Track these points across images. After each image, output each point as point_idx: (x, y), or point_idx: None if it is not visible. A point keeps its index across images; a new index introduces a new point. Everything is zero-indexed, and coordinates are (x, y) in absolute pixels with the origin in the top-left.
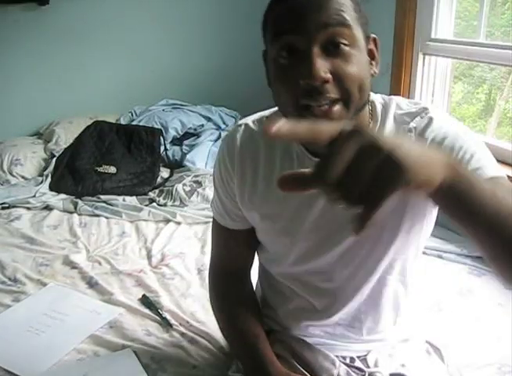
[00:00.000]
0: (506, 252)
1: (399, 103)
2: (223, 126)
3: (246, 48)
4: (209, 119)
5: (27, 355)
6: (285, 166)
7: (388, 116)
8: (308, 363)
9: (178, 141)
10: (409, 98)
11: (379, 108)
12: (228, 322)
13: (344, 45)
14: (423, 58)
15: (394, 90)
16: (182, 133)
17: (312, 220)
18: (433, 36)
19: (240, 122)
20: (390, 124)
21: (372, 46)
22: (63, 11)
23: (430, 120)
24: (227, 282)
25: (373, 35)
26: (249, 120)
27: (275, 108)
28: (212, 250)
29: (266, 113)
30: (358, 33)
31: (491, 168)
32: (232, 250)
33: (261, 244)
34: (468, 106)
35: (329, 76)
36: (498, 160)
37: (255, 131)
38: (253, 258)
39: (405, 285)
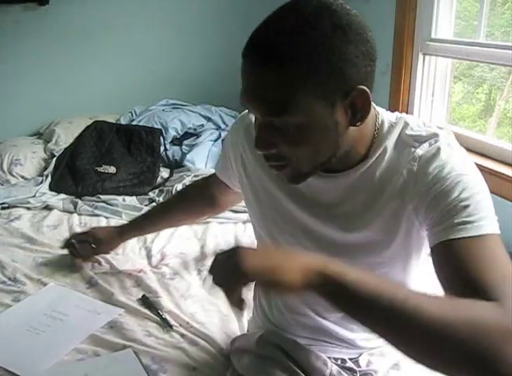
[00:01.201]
0: (408, 343)
1: (409, 123)
2: (223, 126)
3: None
4: (209, 119)
5: (27, 355)
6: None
7: (390, 137)
8: (300, 364)
9: (178, 141)
10: (409, 98)
11: (386, 127)
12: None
13: (285, 125)
14: (423, 58)
15: (394, 90)
16: (182, 133)
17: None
18: (433, 36)
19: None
20: (390, 147)
21: (356, 98)
22: (63, 11)
23: (438, 150)
24: (192, 187)
25: (362, 87)
26: None
27: None
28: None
29: None
30: (305, 103)
31: (477, 226)
32: (213, 185)
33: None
34: (468, 106)
35: (271, 151)
36: (498, 160)
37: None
38: (226, 201)
39: None
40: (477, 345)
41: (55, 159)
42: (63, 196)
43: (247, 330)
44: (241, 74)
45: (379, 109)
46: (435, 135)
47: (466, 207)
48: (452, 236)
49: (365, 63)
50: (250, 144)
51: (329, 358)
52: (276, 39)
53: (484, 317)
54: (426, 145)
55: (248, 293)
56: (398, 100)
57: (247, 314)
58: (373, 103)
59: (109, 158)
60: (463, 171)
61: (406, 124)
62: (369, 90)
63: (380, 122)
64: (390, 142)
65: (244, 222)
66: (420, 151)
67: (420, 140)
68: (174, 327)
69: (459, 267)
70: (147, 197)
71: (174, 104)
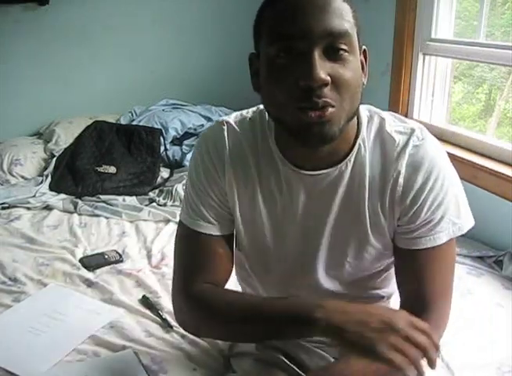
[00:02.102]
0: None
1: (385, 118)
2: None
3: (246, 48)
4: (209, 119)
5: (27, 355)
6: (271, 172)
7: (370, 133)
8: (302, 364)
9: (178, 141)
10: (409, 98)
11: (365, 121)
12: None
13: (344, 50)
14: (423, 58)
15: (394, 90)
16: (182, 133)
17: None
18: (433, 36)
19: (221, 119)
20: (370, 142)
21: (362, 57)
22: (63, 11)
23: (424, 154)
24: (213, 289)
25: (364, 47)
26: (230, 119)
27: (255, 107)
28: (179, 266)
29: (246, 113)
30: (356, 41)
31: (435, 238)
32: (212, 259)
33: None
34: (468, 106)
35: (328, 78)
36: (498, 160)
37: (239, 133)
38: (230, 273)
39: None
40: None
41: (55, 159)
42: (63, 196)
43: None
44: (292, 4)
45: None
46: (413, 130)
47: (434, 222)
48: (414, 247)
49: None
50: (245, 163)
51: (334, 358)
52: None
53: None
54: (410, 146)
55: None
56: (398, 100)
57: None
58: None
59: (109, 158)
60: (446, 176)
61: (383, 119)
62: None
63: (360, 114)
64: (370, 136)
65: None
66: (406, 154)
67: (402, 139)
68: (174, 328)
69: (410, 274)
70: (147, 197)
71: (174, 104)
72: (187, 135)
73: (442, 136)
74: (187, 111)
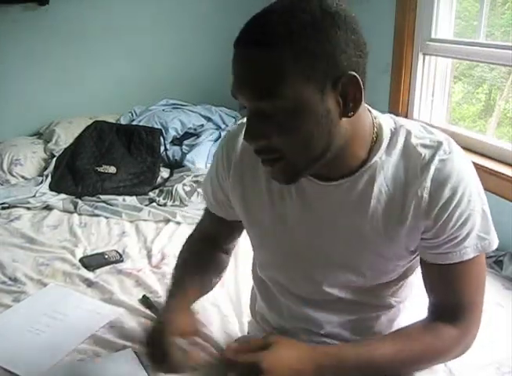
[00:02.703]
0: None
1: (411, 130)
2: (223, 126)
3: None
4: (209, 119)
5: (27, 355)
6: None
7: (396, 146)
8: None
9: (178, 141)
10: (409, 98)
11: (385, 132)
12: (180, 264)
13: (274, 110)
14: (423, 58)
15: (394, 90)
16: (182, 133)
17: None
18: (433, 36)
19: (243, 121)
20: (396, 155)
21: (347, 86)
22: (62, 11)
23: (451, 170)
24: (201, 242)
25: (352, 73)
26: None
27: None
28: (198, 224)
29: None
30: (299, 93)
31: (463, 253)
32: (215, 229)
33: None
34: (468, 106)
35: (261, 144)
36: (498, 160)
37: None
38: (234, 240)
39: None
40: (433, 362)
41: (55, 159)
42: (63, 196)
43: (248, 333)
44: (232, 65)
45: (375, 112)
46: (440, 143)
47: (460, 237)
48: (440, 262)
49: (355, 52)
50: (255, 168)
51: None
52: (266, 22)
53: (435, 345)
54: (436, 160)
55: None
56: (398, 100)
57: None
58: (369, 106)
59: (109, 158)
60: (473, 191)
61: (409, 132)
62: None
63: (377, 125)
64: (396, 150)
65: None
66: (432, 168)
67: (428, 153)
68: None
69: (438, 286)
70: (147, 197)
71: (175, 104)
72: (187, 135)
73: None
74: (187, 111)
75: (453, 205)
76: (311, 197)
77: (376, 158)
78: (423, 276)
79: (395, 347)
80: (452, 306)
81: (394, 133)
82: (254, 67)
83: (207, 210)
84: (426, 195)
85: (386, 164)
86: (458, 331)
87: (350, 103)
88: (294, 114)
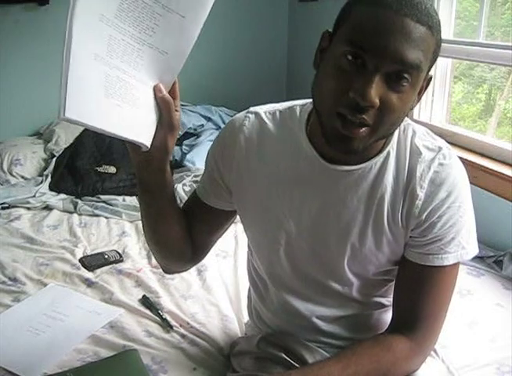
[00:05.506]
0: None
1: (416, 131)
2: (223, 126)
3: (246, 48)
4: (209, 119)
5: (27, 355)
6: (292, 165)
7: (405, 143)
8: (305, 361)
9: (178, 141)
10: None
11: (396, 132)
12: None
13: (406, 82)
14: None
15: None
16: (181, 133)
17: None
18: None
19: (252, 110)
20: (403, 154)
21: (424, 84)
22: (63, 11)
23: (448, 174)
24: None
25: (430, 74)
26: (261, 110)
27: (288, 103)
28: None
29: (279, 106)
30: (423, 75)
31: (444, 258)
32: (199, 222)
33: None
34: (468, 106)
35: (377, 102)
36: (498, 160)
37: (266, 125)
38: (210, 241)
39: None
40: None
41: (55, 159)
42: (63, 196)
43: (245, 334)
44: (379, 23)
45: None
46: (441, 149)
47: (445, 240)
48: (420, 262)
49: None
50: (261, 155)
51: None
52: (425, 7)
53: (385, 357)
54: (435, 163)
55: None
56: None
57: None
58: None
59: (109, 158)
60: (464, 201)
61: (414, 132)
62: None
63: None
64: (403, 146)
65: None
66: (431, 170)
67: (428, 155)
68: (174, 328)
69: (409, 289)
70: None
71: None
72: (187, 135)
73: (442, 136)
74: (187, 111)
75: (445, 207)
76: (321, 184)
77: (388, 148)
78: (396, 278)
79: (340, 364)
80: (412, 317)
81: (403, 130)
82: (416, 39)
83: (197, 202)
84: (422, 194)
85: (394, 157)
86: (411, 344)
87: (418, 96)
88: (413, 88)
